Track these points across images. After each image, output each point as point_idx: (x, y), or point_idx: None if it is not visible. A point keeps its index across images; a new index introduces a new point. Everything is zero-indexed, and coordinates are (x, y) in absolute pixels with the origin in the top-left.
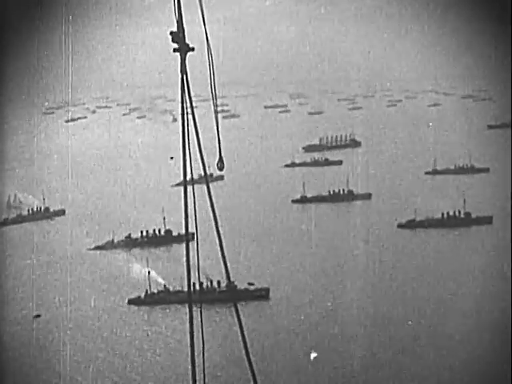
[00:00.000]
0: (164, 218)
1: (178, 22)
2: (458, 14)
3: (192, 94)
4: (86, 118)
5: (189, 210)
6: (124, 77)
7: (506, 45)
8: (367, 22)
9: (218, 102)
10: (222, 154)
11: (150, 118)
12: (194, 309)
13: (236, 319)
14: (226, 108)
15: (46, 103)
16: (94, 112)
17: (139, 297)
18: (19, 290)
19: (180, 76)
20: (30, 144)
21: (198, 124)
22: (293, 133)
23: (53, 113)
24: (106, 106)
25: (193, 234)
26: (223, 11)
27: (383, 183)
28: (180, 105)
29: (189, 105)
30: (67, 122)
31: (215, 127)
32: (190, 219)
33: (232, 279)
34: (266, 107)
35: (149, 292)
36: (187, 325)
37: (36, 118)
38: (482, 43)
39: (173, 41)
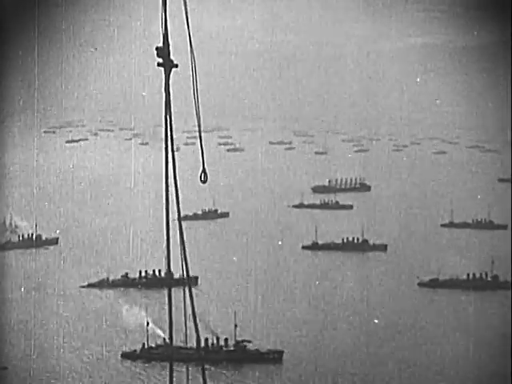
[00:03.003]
0: (165, 258)
1: (163, 36)
2: (465, 63)
3: (193, 124)
4: (87, 139)
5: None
6: (128, 101)
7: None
8: (372, 63)
9: (222, 134)
10: (206, 167)
11: (153, 146)
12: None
13: None
14: (229, 141)
15: (47, 121)
16: (95, 134)
17: (135, 351)
18: None
19: (164, 94)
20: (27, 163)
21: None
22: (300, 172)
23: (54, 132)
24: (108, 130)
25: (196, 278)
26: (231, 46)
27: (398, 234)
28: (164, 125)
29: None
30: (68, 142)
31: (198, 140)
32: (188, 261)
33: (239, 337)
34: (271, 143)
35: (146, 346)
36: None
37: (36, 136)
38: (488, 94)
39: (158, 56)
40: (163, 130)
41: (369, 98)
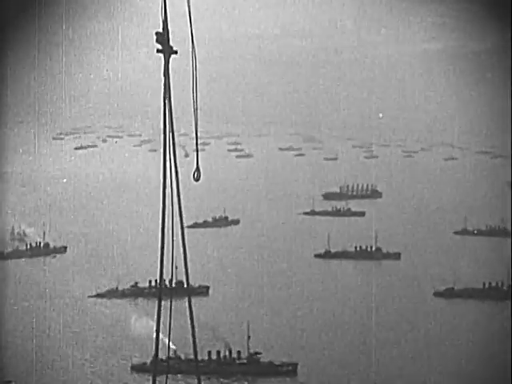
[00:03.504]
0: (176, 267)
1: (163, 23)
2: (474, 69)
3: (202, 130)
4: (96, 146)
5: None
6: (137, 107)
7: None
8: (381, 69)
9: (231, 140)
10: (200, 165)
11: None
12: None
13: None
14: (239, 147)
15: (56, 128)
16: (104, 141)
17: (145, 363)
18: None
19: (163, 80)
20: (35, 169)
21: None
22: (310, 178)
23: (62, 138)
24: (117, 136)
25: (207, 287)
26: (241, 52)
27: (411, 242)
28: (162, 112)
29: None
30: (76, 149)
31: (194, 136)
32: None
33: (252, 349)
34: (280, 149)
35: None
36: None
37: (45, 143)
38: (495, 100)
39: (157, 41)
40: (162, 114)
41: (377, 104)
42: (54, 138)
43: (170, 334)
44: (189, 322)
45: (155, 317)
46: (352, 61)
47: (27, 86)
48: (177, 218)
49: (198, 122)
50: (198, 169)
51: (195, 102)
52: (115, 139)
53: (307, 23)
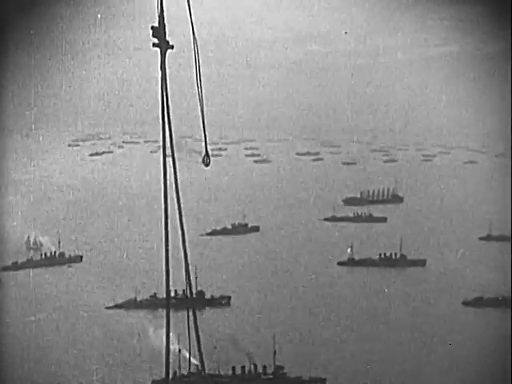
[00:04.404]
0: (196, 277)
1: (159, 17)
2: (492, 71)
3: (221, 136)
4: (111, 152)
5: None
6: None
7: None
8: (398, 73)
9: (248, 146)
10: (209, 151)
11: (181, 158)
12: None
13: None
14: (256, 152)
15: (72, 134)
16: (120, 147)
17: (166, 378)
18: (16, 349)
19: (160, 73)
20: (50, 177)
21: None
22: (329, 183)
23: (78, 145)
24: (133, 142)
25: (228, 297)
26: (258, 58)
27: (435, 248)
28: (160, 106)
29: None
30: (92, 155)
31: (201, 123)
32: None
33: (278, 362)
34: (298, 154)
35: (178, 374)
36: None
37: (59, 149)
38: None
39: (153, 35)
40: (159, 108)
41: (395, 107)
42: (69, 145)
43: (190, 347)
44: (193, 334)
45: (169, 328)
46: (370, 65)
47: (41, 92)
48: (189, 224)
49: (220, 129)
50: (207, 154)
51: (200, 91)
52: (132, 145)
53: (323, 27)
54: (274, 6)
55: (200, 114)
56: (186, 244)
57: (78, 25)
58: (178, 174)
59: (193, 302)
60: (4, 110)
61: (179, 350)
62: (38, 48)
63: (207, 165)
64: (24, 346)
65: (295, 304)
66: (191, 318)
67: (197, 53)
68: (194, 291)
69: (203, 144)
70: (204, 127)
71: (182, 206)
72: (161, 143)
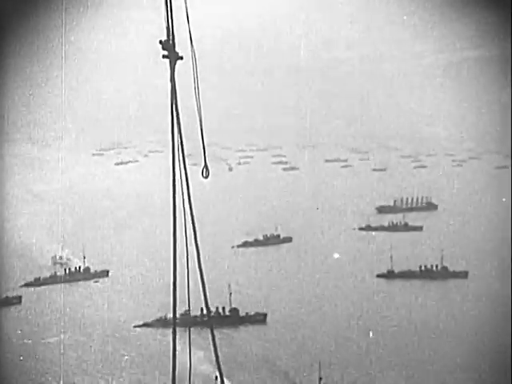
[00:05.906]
0: (230, 294)
1: (167, 29)
2: None
3: (248, 143)
4: (137, 161)
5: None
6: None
7: None
8: (424, 77)
9: (275, 153)
10: (207, 163)
11: (212, 167)
12: None
13: None
14: (283, 159)
15: (96, 143)
16: (146, 156)
17: None
18: (35, 373)
19: (170, 85)
20: (74, 187)
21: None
22: (360, 190)
23: (102, 154)
24: (158, 151)
25: (264, 315)
26: (284, 63)
27: (477, 258)
28: (170, 116)
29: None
30: (117, 164)
31: (200, 138)
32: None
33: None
34: (326, 161)
35: None
36: None
37: (84, 159)
38: None
39: (163, 48)
40: (169, 119)
41: (424, 113)
42: (93, 154)
43: (220, 366)
44: (213, 355)
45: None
46: (400, 70)
47: (64, 101)
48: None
49: (245, 136)
50: (205, 166)
51: (198, 99)
52: (157, 154)
53: (354, 32)
54: (301, 13)
55: (198, 123)
56: (201, 260)
57: (96, 34)
58: (189, 183)
59: (224, 320)
60: (26, 121)
61: (216, 378)
62: (60, 60)
63: (206, 177)
64: (46, 366)
65: (333, 320)
66: (214, 336)
67: (195, 63)
68: (227, 309)
69: (202, 152)
70: (202, 138)
71: (195, 219)
72: (177, 153)
